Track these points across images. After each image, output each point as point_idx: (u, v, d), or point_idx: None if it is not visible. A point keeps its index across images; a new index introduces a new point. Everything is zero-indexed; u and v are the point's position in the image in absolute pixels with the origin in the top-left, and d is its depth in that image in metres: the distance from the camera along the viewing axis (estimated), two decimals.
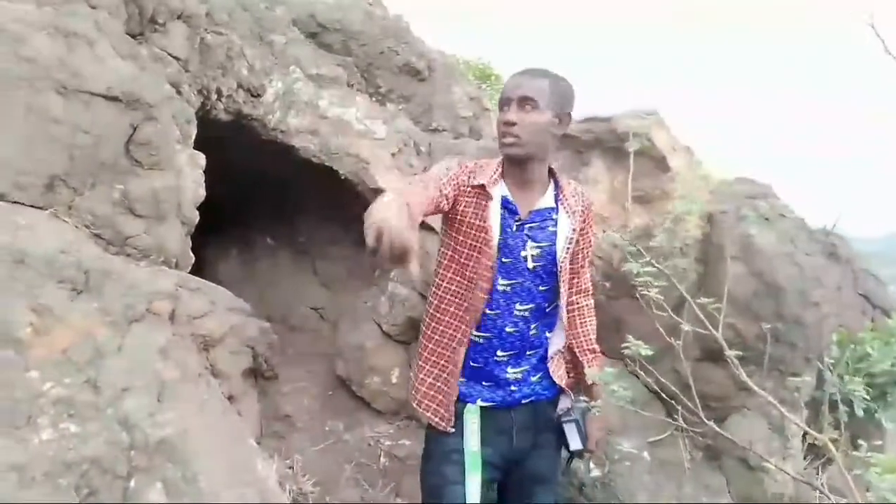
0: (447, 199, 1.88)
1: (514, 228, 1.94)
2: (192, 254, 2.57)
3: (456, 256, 1.96)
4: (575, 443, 2.04)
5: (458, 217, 1.92)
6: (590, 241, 2.16)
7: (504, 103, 1.90)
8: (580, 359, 2.13)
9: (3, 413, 1.57)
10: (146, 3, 2.57)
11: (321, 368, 3.60)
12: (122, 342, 1.73)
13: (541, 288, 1.98)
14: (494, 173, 1.94)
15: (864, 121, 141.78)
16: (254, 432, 2.21)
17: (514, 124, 1.87)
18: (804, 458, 3.01)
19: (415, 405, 2.08)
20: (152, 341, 1.78)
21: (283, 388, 3.27)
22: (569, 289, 2.05)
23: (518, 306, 1.96)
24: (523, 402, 2.01)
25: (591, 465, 2.63)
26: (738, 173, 3.17)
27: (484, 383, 1.99)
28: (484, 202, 1.91)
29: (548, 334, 2.06)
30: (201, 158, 2.68)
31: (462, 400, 1.99)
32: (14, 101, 2.18)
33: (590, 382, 2.08)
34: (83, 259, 1.85)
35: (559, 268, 1.97)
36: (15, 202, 2.16)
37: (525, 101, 1.87)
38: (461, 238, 1.93)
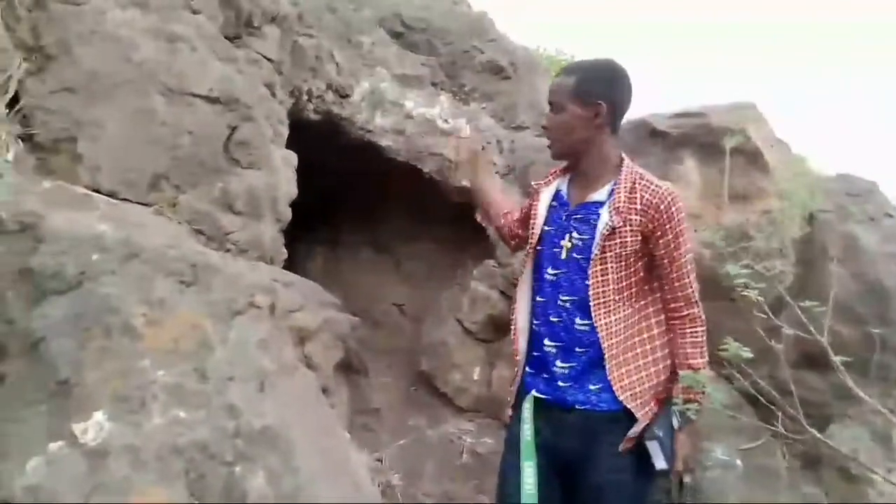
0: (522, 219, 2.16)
1: (564, 219, 1.95)
2: (284, 250, 2.64)
3: (525, 252, 2.11)
4: (660, 462, 1.93)
5: (527, 217, 2.11)
6: (673, 245, 1.93)
7: (550, 106, 2.00)
8: (678, 372, 2.04)
9: (119, 398, 1.66)
10: (242, 7, 2.66)
11: (403, 364, 3.64)
12: (226, 333, 1.79)
13: (585, 281, 1.93)
14: (558, 171, 2.06)
15: None
16: (345, 424, 2.25)
17: (546, 128, 2.03)
18: None
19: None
20: (254, 333, 1.84)
21: (368, 383, 3.32)
22: (627, 287, 1.94)
23: (561, 296, 1.93)
24: (577, 407, 1.91)
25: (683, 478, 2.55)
26: (840, 169, 3.02)
27: (543, 375, 1.97)
28: (535, 197, 2.05)
29: (603, 335, 1.95)
30: (293, 157, 2.76)
31: (526, 389, 1.99)
32: (122, 104, 2.30)
33: (679, 390, 1.98)
34: (189, 254, 1.93)
35: (592, 258, 1.91)
36: (123, 199, 2.28)
37: (551, 105, 1.98)
38: (527, 236, 2.09)
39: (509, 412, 2.07)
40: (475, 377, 3.40)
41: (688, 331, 1.99)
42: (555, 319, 1.93)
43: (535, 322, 1.99)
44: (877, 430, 2.82)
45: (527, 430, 1.90)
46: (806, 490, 2.80)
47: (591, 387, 1.92)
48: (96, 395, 1.66)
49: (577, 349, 1.93)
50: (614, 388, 1.93)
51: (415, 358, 3.58)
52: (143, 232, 2.02)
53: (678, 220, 1.90)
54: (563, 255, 1.92)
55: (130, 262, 1.84)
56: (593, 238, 1.90)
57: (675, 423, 1.95)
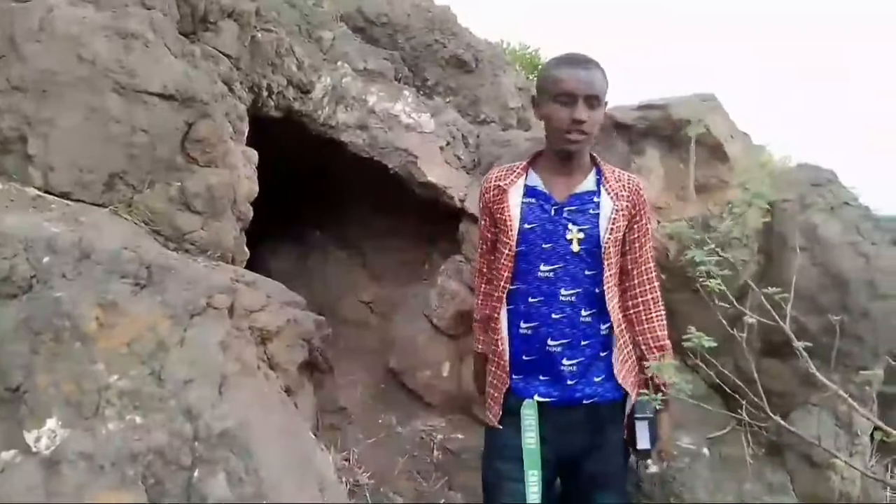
0: (491, 227, 2.07)
1: (553, 213, 1.92)
2: (246, 249, 2.60)
3: (496, 253, 2.05)
4: (643, 442, 1.96)
5: (497, 219, 2.01)
6: (645, 229, 2.06)
7: (568, 98, 1.83)
8: (647, 356, 2.06)
9: (72, 404, 1.61)
10: (198, 2, 2.62)
11: (372, 361, 3.62)
12: (183, 335, 1.75)
13: (587, 272, 1.93)
14: (519, 168, 2.00)
15: None
16: (311, 424, 2.22)
17: (584, 122, 1.84)
18: (872, 456, 2.89)
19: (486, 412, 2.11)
20: (212, 335, 1.80)
21: (336, 382, 3.29)
22: (618, 272, 2.00)
23: (563, 291, 1.91)
24: (585, 402, 1.93)
25: (649, 461, 2.56)
26: (800, 159, 3.05)
27: (541, 377, 1.93)
28: (502, 197, 1.97)
29: (603, 326, 1.99)
30: (254, 155, 2.72)
31: (520, 395, 1.94)
32: (75, 103, 2.24)
33: (649, 375, 2.02)
34: (144, 255, 1.88)
35: (602, 249, 1.92)
36: (77, 200, 2.23)
37: (592, 99, 1.84)
38: (499, 236, 2.01)
39: (493, 420, 2.00)
40: (445, 374, 3.39)
41: (654, 313, 2.09)
42: (557, 316, 1.91)
43: (526, 325, 1.95)
44: (840, 416, 2.86)
45: (530, 439, 1.88)
46: (771, 477, 2.83)
47: (596, 379, 1.96)
48: (49, 402, 1.62)
49: (582, 343, 1.94)
50: (617, 376, 1.98)
51: (384, 355, 3.56)
52: (97, 233, 1.97)
53: (646, 203, 2.04)
54: (575, 248, 1.91)
55: (83, 264, 1.80)
56: (596, 227, 1.92)
57: (655, 405, 1.99)
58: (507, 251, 1.93)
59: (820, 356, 2.53)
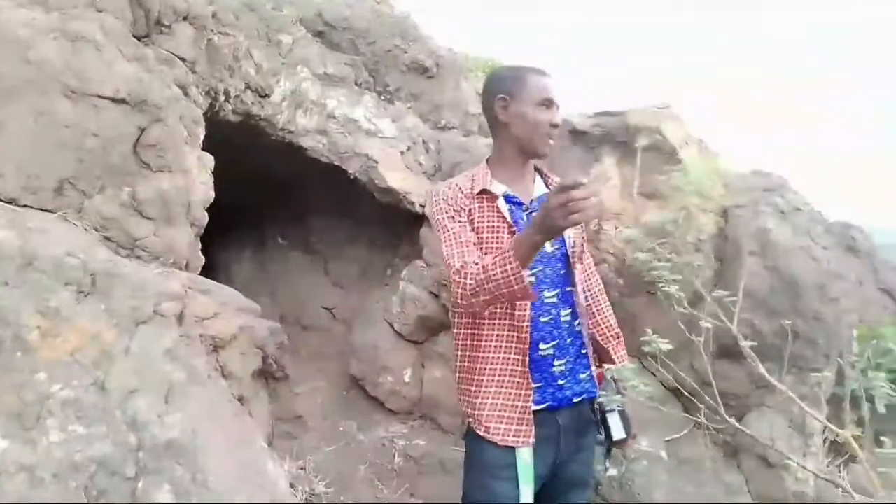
0: (468, 225, 1.89)
1: (525, 219, 1.92)
2: (202, 255, 2.56)
3: None
4: (619, 432, 1.96)
5: (475, 228, 1.89)
6: (584, 226, 2.13)
7: (549, 104, 1.88)
8: (604, 346, 2.08)
9: (12, 415, 1.57)
10: (152, 5, 2.57)
11: (334, 368, 3.59)
12: (129, 344, 1.72)
13: (561, 272, 1.95)
14: (486, 175, 1.93)
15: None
16: (265, 433, 2.19)
17: (558, 126, 1.91)
18: (826, 457, 2.95)
19: (481, 433, 1.87)
20: (159, 343, 1.77)
21: (296, 389, 3.26)
22: (579, 271, 2.03)
23: (546, 293, 1.91)
24: (575, 400, 1.92)
25: (608, 463, 2.59)
26: (754, 166, 3.11)
27: (533, 385, 1.87)
28: (491, 203, 1.90)
29: (576, 322, 1.99)
30: (210, 160, 2.68)
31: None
32: (23, 106, 2.19)
33: (609, 377, 2.04)
34: (89, 261, 1.84)
35: (569, 245, 1.95)
36: (25, 206, 2.17)
37: (557, 106, 1.90)
38: (484, 246, 1.88)
39: (480, 431, 1.86)
40: (406, 379, 3.38)
41: (603, 304, 2.15)
42: (545, 319, 1.89)
43: None
44: (794, 418, 2.91)
45: (525, 455, 1.83)
46: (728, 478, 2.87)
47: (581, 376, 1.95)
48: None
49: (567, 341, 1.92)
50: (594, 371, 1.99)
51: (346, 362, 3.54)
52: (43, 240, 1.92)
53: None
54: (549, 249, 1.90)
55: (25, 271, 1.75)
56: None
57: (620, 392, 2.02)
58: None
59: (774, 358, 2.57)
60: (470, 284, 1.70)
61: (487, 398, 1.87)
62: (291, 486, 2.30)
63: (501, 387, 1.87)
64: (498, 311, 1.86)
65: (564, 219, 1.45)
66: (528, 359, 1.85)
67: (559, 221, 1.46)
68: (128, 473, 1.55)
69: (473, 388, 1.90)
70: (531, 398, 1.84)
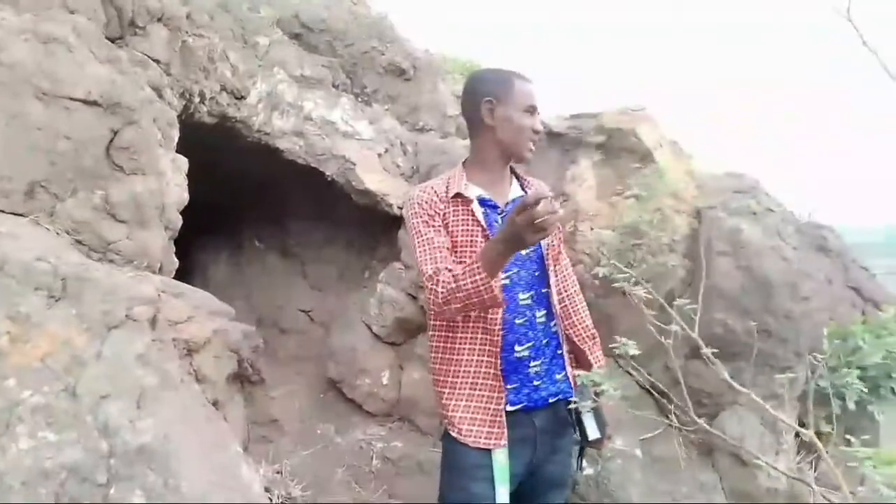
0: (443, 232, 1.90)
1: (500, 221, 1.93)
2: (175, 258, 2.55)
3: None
4: (593, 432, 1.97)
5: (450, 231, 1.91)
6: (559, 226, 2.16)
7: (532, 110, 1.93)
8: (581, 346, 2.10)
9: None
10: (125, 7, 2.55)
11: (312, 371, 3.58)
12: (100, 349, 1.70)
13: (536, 273, 1.96)
14: (462, 179, 1.95)
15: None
16: (240, 437, 2.18)
17: (539, 133, 1.97)
18: (797, 453, 2.99)
19: (454, 434, 1.88)
20: (131, 348, 1.75)
21: (273, 392, 3.25)
22: (555, 273, 2.04)
23: (521, 296, 1.92)
24: (550, 401, 1.94)
25: (584, 463, 2.61)
26: (727, 167, 3.15)
27: (508, 386, 1.89)
28: (466, 206, 1.91)
29: (552, 324, 2.01)
30: (184, 162, 2.66)
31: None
32: None
33: (580, 382, 2.06)
34: (60, 266, 1.82)
35: (545, 248, 1.97)
36: None
37: (537, 110, 1.96)
38: (458, 249, 1.89)
39: (453, 433, 1.88)
40: (384, 381, 3.38)
41: (579, 305, 2.15)
42: (520, 321, 1.91)
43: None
44: (765, 416, 2.94)
45: (501, 456, 1.84)
46: (702, 476, 2.90)
47: (557, 376, 1.97)
48: None
49: (542, 343, 1.94)
50: (568, 372, 2.00)
51: (323, 365, 3.53)
52: (14, 244, 1.90)
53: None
54: (524, 252, 1.90)
55: None
56: None
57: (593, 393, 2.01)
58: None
59: (746, 357, 2.61)
60: (441, 293, 1.72)
61: (461, 400, 1.89)
62: (267, 489, 2.30)
63: (475, 389, 1.88)
64: (471, 314, 1.86)
65: (530, 235, 1.49)
66: (500, 361, 1.86)
67: (525, 237, 1.50)
68: (99, 480, 1.54)
69: (447, 391, 1.92)
70: (503, 401, 1.86)
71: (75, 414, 1.60)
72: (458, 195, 1.91)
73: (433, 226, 1.89)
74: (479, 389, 1.87)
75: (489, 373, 1.86)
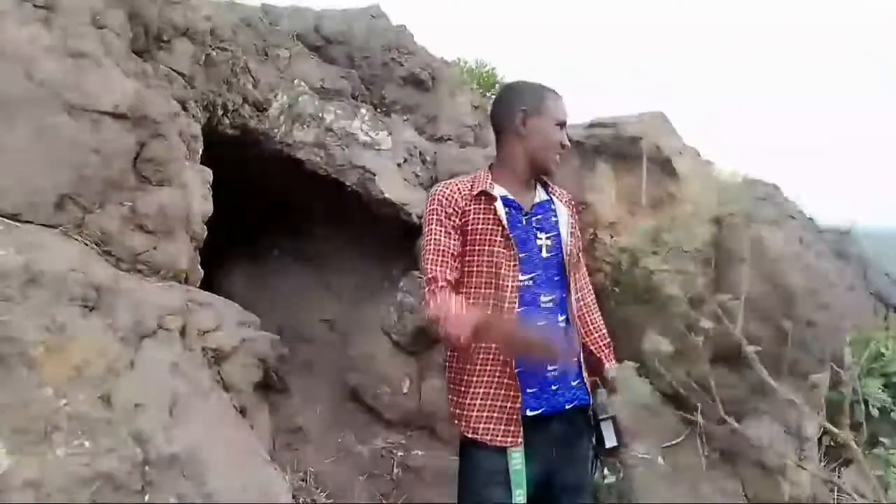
0: (456, 234, 1.93)
1: (524, 223, 1.96)
2: (201, 268, 2.58)
3: (477, 264, 1.93)
4: (611, 440, 1.98)
5: (470, 229, 1.93)
6: (579, 236, 2.16)
7: (562, 125, 2.00)
8: (597, 354, 2.11)
9: (19, 430, 1.58)
10: (151, 22, 2.60)
11: (332, 380, 3.60)
12: (133, 358, 1.74)
13: (556, 278, 1.98)
14: (487, 178, 1.99)
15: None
16: (266, 445, 2.21)
17: (566, 147, 2.03)
18: (820, 462, 2.98)
19: (469, 435, 1.90)
20: (163, 357, 1.79)
21: (295, 400, 3.27)
22: (574, 280, 2.06)
23: (543, 298, 1.93)
24: (567, 407, 1.94)
25: (606, 470, 2.61)
26: (747, 174, 3.15)
27: (528, 390, 1.90)
28: (489, 204, 1.93)
29: (571, 330, 2.02)
30: (208, 174, 2.70)
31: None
32: (25, 123, 2.20)
33: (610, 378, 2.07)
34: (93, 277, 1.86)
35: (566, 253, 1.98)
36: (26, 221, 2.18)
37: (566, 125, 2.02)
38: (477, 247, 1.92)
39: (468, 433, 1.89)
40: (405, 390, 3.39)
41: (595, 313, 2.17)
42: (541, 323, 1.91)
43: None
44: (790, 424, 2.94)
45: (517, 458, 1.85)
46: (725, 484, 2.89)
47: (573, 383, 1.97)
48: None
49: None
50: (585, 378, 2.01)
51: (344, 373, 3.55)
52: (46, 256, 1.94)
53: (578, 211, 2.16)
54: (545, 255, 1.94)
55: (30, 287, 1.77)
56: (559, 234, 1.98)
57: (612, 402, 2.03)
58: (508, 252, 1.89)
59: (768, 364, 2.61)
60: (430, 315, 1.81)
61: (476, 400, 1.91)
62: (293, 497, 2.31)
63: (490, 388, 1.90)
64: (488, 302, 1.89)
65: (509, 351, 1.76)
66: (514, 361, 1.87)
67: (504, 352, 1.79)
68: (134, 487, 1.57)
69: (462, 389, 1.94)
70: (519, 400, 1.87)
71: (110, 422, 1.63)
72: (482, 192, 1.94)
73: (445, 226, 1.92)
74: (496, 389, 1.89)
75: (504, 372, 1.87)
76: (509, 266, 1.88)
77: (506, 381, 1.88)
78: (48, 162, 2.22)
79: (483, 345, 1.90)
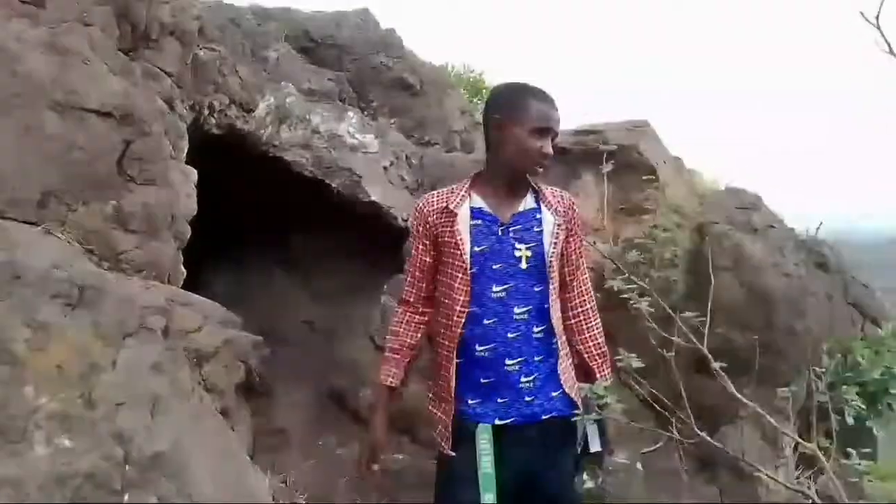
0: (431, 251, 2.01)
1: (501, 233, 1.95)
2: (184, 268, 2.57)
3: (441, 277, 2.01)
4: (595, 445, 2.00)
5: (440, 242, 1.98)
6: (580, 241, 2.14)
7: (542, 133, 1.91)
8: (590, 364, 2.11)
9: None
10: (139, 20, 2.59)
11: (314, 382, 3.59)
12: (115, 357, 1.73)
13: (536, 289, 1.96)
14: (462, 190, 1.98)
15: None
16: (247, 446, 2.20)
17: (549, 156, 1.95)
18: (797, 468, 3.02)
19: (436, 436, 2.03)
20: (145, 356, 1.78)
21: (276, 402, 3.26)
22: (559, 287, 2.04)
23: (516, 310, 1.94)
24: (543, 417, 1.94)
25: (585, 476, 2.62)
26: (728, 182, 3.20)
27: (499, 400, 1.93)
28: (451, 220, 1.94)
29: (552, 340, 2.02)
30: (193, 173, 2.69)
31: (476, 421, 1.92)
32: (9, 119, 2.19)
33: (583, 395, 2.07)
34: (76, 274, 1.85)
35: (547, 263, 1.98)
36: (9, 218, 2.17)
37: (554, 134, 1.95)
38: (443, 259, 1.98)
39: (446, 448, 1.95)
40: None
41: (593, 322, 2.14)
42: (513, 335, 1.92)
43: (482, 348, 1.92)
44: (766, 431, 2.97)
45: (486, 462, 1.86)
46: (703, 490, 2.92)
47: (553, 394, 1.97)
48: None
49: (535, 359, 1.95)
50: (565, 388, 2.00)
51: (326, 376, 3.54)
52: (29, 253, 1.93)
53: (580, 217, 2.11)
54: (524, 266, 1.93)
55: (12, 284, 1.76)
56: (541, 244, 1.95)
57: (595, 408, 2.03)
58: (461, 275, 1.91)
59: (746, 372, 2.64)
60: (390, 335, 2.09)
61: (433, 407, 2.03)
62: (273, 499, 2.31)
63: (437, 397, 2.01)
64: (443, 329, 1.98)
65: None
66: (454, 367, 1.94)
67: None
68: (114, 486, 1.56)
69: (430, 395, 2.07)
70: (451, 409, 1.94)
71: (91, 421, 1.63)
72: (445, 208, 1.95)
73: (423, 241, 2.01)
74: (444, 396, 1.97)
75: (446, 383, 1.95)
76: (464, 281, 1.92)
77: (443, 393, 1.97)
78: (33, 159, 2.21)
79: (443, 350, 1.97)
